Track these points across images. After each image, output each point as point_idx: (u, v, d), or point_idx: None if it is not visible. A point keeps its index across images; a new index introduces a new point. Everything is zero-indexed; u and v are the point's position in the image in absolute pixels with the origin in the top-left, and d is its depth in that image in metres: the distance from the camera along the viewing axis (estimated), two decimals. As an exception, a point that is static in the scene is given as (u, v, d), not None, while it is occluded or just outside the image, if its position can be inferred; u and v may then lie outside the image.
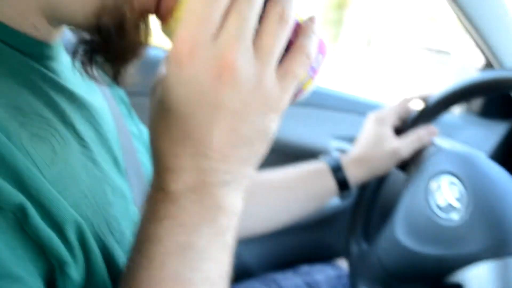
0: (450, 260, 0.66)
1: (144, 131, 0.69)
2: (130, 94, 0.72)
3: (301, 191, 0.88)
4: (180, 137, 0.37)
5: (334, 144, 1.12)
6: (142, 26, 0.42)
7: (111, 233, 0.44)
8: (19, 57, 0.40)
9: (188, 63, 0.35)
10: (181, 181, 0.38)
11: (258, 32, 0.37)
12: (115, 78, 0.44)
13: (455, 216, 0.68)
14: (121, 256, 0.44)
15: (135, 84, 0.47)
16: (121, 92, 0.68)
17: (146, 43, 0.43)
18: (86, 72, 0.44)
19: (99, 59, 0.43)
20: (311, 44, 0.39)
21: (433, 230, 0.69)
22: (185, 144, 0.37)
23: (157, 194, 0.39)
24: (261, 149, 0.40)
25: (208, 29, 0.35)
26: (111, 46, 0.41)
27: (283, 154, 1.08)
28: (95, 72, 0.44)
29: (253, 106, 0.37)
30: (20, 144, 0.34)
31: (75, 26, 0.43)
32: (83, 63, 0.43)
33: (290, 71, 0.38)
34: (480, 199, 0.67)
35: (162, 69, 0.41)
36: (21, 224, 0.31)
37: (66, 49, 0.48)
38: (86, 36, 0.42)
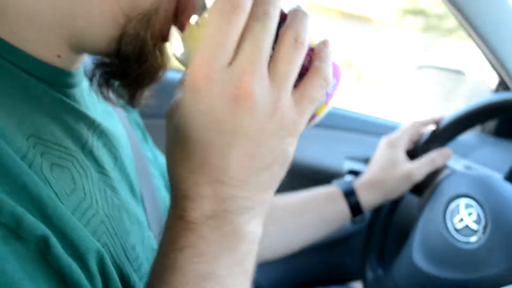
0: (470, 284, 0.65)
1: (158, 156, 0.69)
2: (143, 116, 0.72)
3: (313, 216, 0.87)
4: (198, 165, 0.37)
5: (348, 165, 1.11)
6: (160, 51, 0.42)
7: (128, 260, 0.43)
8: (41, 87, 0.40)
9: (204, 90, 0.35)
10: (200, 210, 0.38)
11: (273, 57, 0.36)
12: (131, 101, 0.44)
13: (473, 239, 0.67)
14: (137, 284, 0.43)
15: (148, 106, 0.48)
16: (136, 116, 0.68)
17: (164, 68, 0.43)
18: (102, 94, 0.44)
19: (116, 82, 0.43)
20: (327, 67, 0.39)
21: (451, 253, 0.68)
22: (203, 172, 0.37)
23: (177, 223, 0.38)
24: (280, 173, 0.39)
25: (223, 55, 0.35)
26: (130, 71, 0.41)
27: (296, 175, 1.07)
28: (111, 95, 0.45)
29: (270, 131, 0.36)
30: (41, 174, 0.34)
31: (97, 53, 0.43)
32: (100, 86, 0.44)
33: (307, 95, 0.38)
34: (499, 220, 0.66)
35: (178, 94, 0.41)
36: (43, 255, 0.31)
37: (84, 71, 0.48)
38: (105, 59, 0.43)
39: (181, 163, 0.38)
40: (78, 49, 0.42)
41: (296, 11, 0.38)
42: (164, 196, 0.63)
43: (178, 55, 0.41)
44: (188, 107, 0.36)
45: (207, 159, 0.36)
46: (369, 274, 0.85)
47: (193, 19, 0.40)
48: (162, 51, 0.43)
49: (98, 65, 0.43)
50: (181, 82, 0.43)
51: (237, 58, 0.35)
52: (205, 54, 0.35)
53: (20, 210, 0.30)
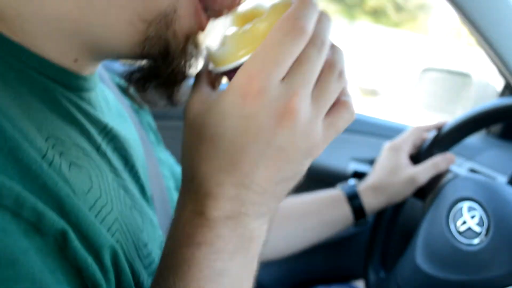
0: (472, 286, 0.65)
1: (169, 157, 0.70)
2: (154, 117, 0.73)
3: (316, 219, 0.88)
4: (227, 166, 0.38)
5: (352, 166, 1.12)
6: (188, 48, 0.43)
7: (140, 258, 0.44)
8: (59, 90, 0.42)
9: (254, 99, 0.36)
10: (221, 209, 0.39)
11: (318, 84, 0.39)
12: (170, 99, 0.46)
13: (476, 241, 0.68)
14: (146, 280, 0.44)
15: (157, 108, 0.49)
16: (149, 118, 0.69)
17: (195, 63, 0.45)
18: (143, 99, 0.46)
19: (152, 84, 0.45)
20: (353, 103, 0.42)
21: (454, 255, 0.69)
22: (231, 173, 0.38)
23: (195, 219, 0.39)
24: (292, 187, 0.42)
25: (280, 71, 0.37)
26: (160, 72, 0.43)
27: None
28: (139, 96, 0.46)
29: (300, 149, 0.38)
30: (60, 172, 0.36)
31: (120, 57, 0.44)
32: (138, 92, 0.45)
33: (334, 124, 0.40)
34: (501, 223, 0.67)
35: (195, 92, 0.42)
36: (61, 249, 0.32)
37: (111, 78, 0.49)
38: (134, 67, 0.44)
39: (207, 160, 0.39)
40: (98, 54, 0.44)
41: (336, 47, 0.41)
42: (174, 198, 0.64)
43: (213, 49, 0.42)
44: (231, 109, 0.37)
45: (238, 162, 0.38)
46: (372, 277, 0.86)
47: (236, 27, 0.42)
48: (191, 47, 0.44)
49: (129, 74, 0.45)
50: (199, 79, 0.44)
51: (292, 78, 0.37)
52: (263, 64, 0.36)
53: (41, 206, 0.31)
